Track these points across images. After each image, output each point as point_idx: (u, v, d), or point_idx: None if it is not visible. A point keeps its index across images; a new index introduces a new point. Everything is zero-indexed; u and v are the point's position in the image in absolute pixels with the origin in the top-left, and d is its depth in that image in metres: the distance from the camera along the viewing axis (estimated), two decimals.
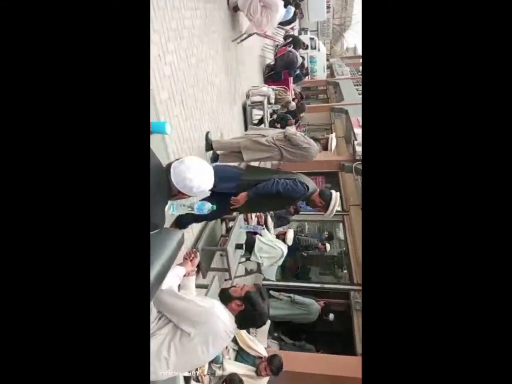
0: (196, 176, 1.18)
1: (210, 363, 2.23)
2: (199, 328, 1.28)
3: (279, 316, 3.86)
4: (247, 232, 3.43)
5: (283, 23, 6.45)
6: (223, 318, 1.32)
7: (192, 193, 1.23)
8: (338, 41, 27.05)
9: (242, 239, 3.31)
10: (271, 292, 4.57)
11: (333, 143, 3.01)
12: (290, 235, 3.68)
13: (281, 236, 3.70)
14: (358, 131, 7.40)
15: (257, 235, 3.59)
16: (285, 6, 4.52)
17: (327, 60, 17.33)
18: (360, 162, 6.54)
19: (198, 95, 3.13)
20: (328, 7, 16.73)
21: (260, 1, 4.09)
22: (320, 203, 2.32)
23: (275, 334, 4.14)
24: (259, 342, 2.69)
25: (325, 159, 7.30)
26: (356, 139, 7.19)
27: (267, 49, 6.87)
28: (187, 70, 2.89)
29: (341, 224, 7.34)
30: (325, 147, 3.04)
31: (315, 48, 14.57)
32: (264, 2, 4.10)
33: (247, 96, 5.01)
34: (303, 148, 2.90)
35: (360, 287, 5.17)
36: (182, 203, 1.68)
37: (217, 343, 1.33)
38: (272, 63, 6.88)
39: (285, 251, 3.55)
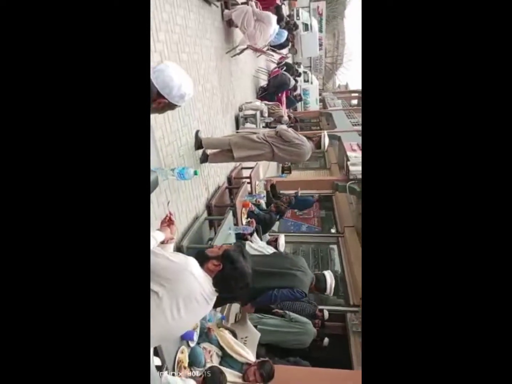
0: (177, 76, 1.14)
1: (190, 366, 1.97)
2: (168, 286, 1.09)
3: (272, 340, 3.54)
4: (237, 237, 3.24)
5: (276, 47, 6.69)
6: (198, 276, 1.13)
7: (172, 97, 1.16)
8: (330, 78, 28.31)
9: (231, 242, 3.12)
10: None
11: (325, 141, 2.94)
12: (282, 241, 3.49)
13: (273, 243, 3.51)
14: (351, 154, 7.49)
15: (247, 241, 3.40)
16: (278, 22, 4.67)
17: (320, 94, 17.98)
18: (354, 181, 6.53)
19: None
20: (320, 44, 17.67)
21: (254, 15, 4.22)
22: (317, 290, 2.52)
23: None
24: (248, 349, 2.42)
25: (319, 179, 7.30)
26: (349, 160, 7.24)
27: (261, 71, 7.05)
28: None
29: (335, 246, 7.15)
30: (317, 145, 2.96)
31: (308, 81, 15.13)
32: (257, 15, 4.23)
33: (240, 109, 5.02)
34: (295, 144, 2.82)
35: (357, 309, 4.90)
36: (167, 169, 1.56)
37: (191, 307, 1.12)
38: (265, 85, 7.04)
39: None
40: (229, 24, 4.44)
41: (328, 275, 2.48)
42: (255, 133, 2.95)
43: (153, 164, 1.61)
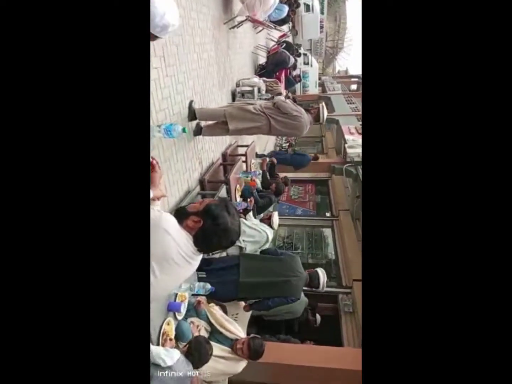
0: (160, 2, 1.05)
1: (176, 340, 1.90)
2: None
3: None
4: None
5: (276, 22, 6.45)
6: (174, 234, 1.02)
7: (153, 26, 1.08)
8: (330, 63, 27.83)
9: None
10: None
11: (324, 112, 2.82)
12: (275, 219, 3.41)
13: (266, 221, 3.42)
14: (348, 137, 7.38)
15: (241, 218, 3.31)
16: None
17: (319, 78, 17.66)
18: (351, 164, 6.44)
19: (182, 58, 2.92)
20: (321, 27, 17.22)
21: None
22: (310, 287, 2.62)
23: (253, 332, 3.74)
24: (238, 326, 2.36)
25: (316, 161, 7.18)
26: (346, 143, 7.14)
27: (260, 47, 6.82)
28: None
29: (330, 230, 7.13)
30: (316, 118, 2.84)
31: (307, 64, 14.80)
32: None
33: (237, 85, 4.85)
34: (293, 116, 2.70)
35: (349, 290, 4.89)
36: (153, 125, 1.45)
37: (168, 268, 1.02)
38: (264, 62, 6.82)
39: (270, 235, 3.26)
40: None
41: (321, 273, 2.63)
42: (251, 104, 2.82)
43: None
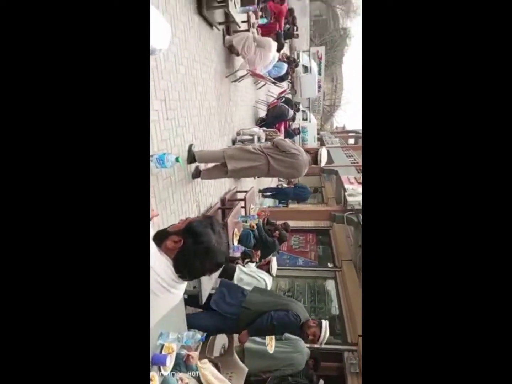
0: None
1: None
2: None
3: (261, 366, 3.12)
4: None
5: (276, 79, 6.85)
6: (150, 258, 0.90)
7: None
8: (328, 120, 29.21)
9: None
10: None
11: (323, 155, 2.82)
12: (274, 264, 3.24)
13: (264, 267, 3.26)
14: (348, 186, 7.44)
15: (238, 265, 3.16)
16: (279, 50, 4.78)
17: (318, 133, 18.39)
18: (351, 212, 6.37)
19: (184, 103, 3.02)
20: (319, 87, 18.38)
21: (254, 41, 4.31)
22: (312, 335, 2.46)
23: None
24: None
25: (316, 209, 7.13)
26: (346, 191, 7.16)
27: (260, 102, 7.16)
28: (174, 75, 2.82)
29: (333, 281, 6.82)
30: (314, 160, 2.84)
31: (306, 120, 15.50)
32: (258, 42, 4.32)
33: (238, 134, 4.99)
34: (291, 154, 2.70)
35: (355, 347, 4.51)
36: None
37: None
38: (264, 115, 7.12)
39: (269, 282, 3.08)
40: (230, 50, 4.52)
41: (324, 325, 2.51)
42: (251, 145, 2.85)
43: None
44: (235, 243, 3.13)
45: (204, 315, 2.52)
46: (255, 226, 3.83)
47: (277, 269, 3.58)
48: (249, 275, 3.08)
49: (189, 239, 0.94)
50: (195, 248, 0.93)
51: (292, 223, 6.96)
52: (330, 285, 6.95)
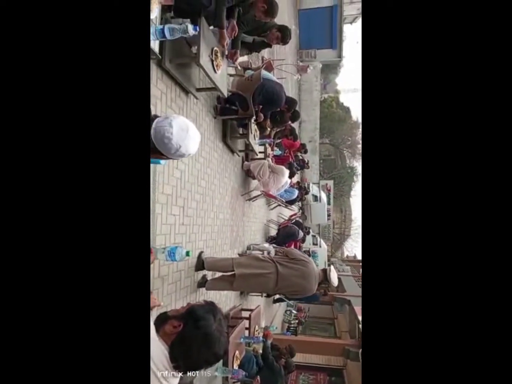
0: (177, 137, 1.07)
1: None
2: None
3: None
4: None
5: (288, 202, 7.29)
6: None
7: (171, 155, 1.10)
8: (338, 248, 29.27)
9: None
10: None
11: (332, 273, 2.74)
12: None
13: None
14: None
15: None
16: (290, 176, 5.26)
17: (328, 260, 18.24)
18: None
19: (200, 212, 3.20)
20: (329, 215, 19.18)
21: (269, 167, 4.81)
22: None
23: None
24: None
25: (328, 341, 6.44)
26: (360, 323, 6.61)
27: (272, 221, 7.44)
28: (195, 187, 3.09)
29: None
30: (324, 276, 2.75)
31: (316, 244, 15.63)
32: (272, 168, 4.83)
33: (248, 248, 5.04)
34: (300, 261, 2.66)
35: None
36: (159, 247, 1.45)
37: None
38: (275, 234, 7.28)
39: None
40: (247, 173, 5.02)
41: None
42: (260, 254, 2.86)
43: None
44: (235, 366, 2.77)
45: None
46: (259, 352, 3.45)
47: None
48: None
49: (189, 323, 0.90)
50: (194, 333, 0.89)
51: (300, 357, 6.22)
52: None
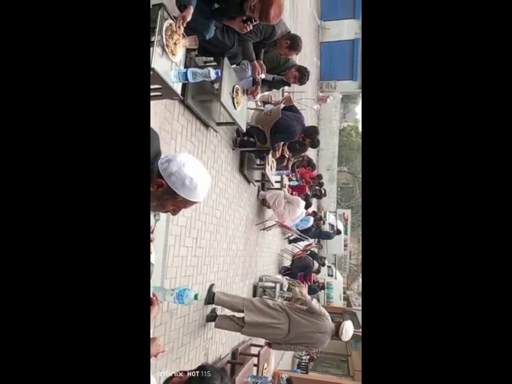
0: (196, 173, 0.93)
1: None
2: None
3: None
4: None
5: (302, 231, 7.18)
6: None
7: (192, 197, 0.95)
8: (355, 280, 28.29)
9: None
10: None
11: (346, 329, 2.61)
12: None
13: None
14: None
15: None
16: (306, 207, 5.20)
17: (344, 292, 17.62)
18: None
19: (213, 243, 3.18)
20: (345, 245, 18.72)
21: (285, 198, 4.79)
22: None
23: None
24: None
25: (340, 382, 6.06)
26: None
27: (286, 251, 7.32)
28: (209, 217, 3.09)
29: None
30: (336, 330, 2.62)
31: (332, 276, 15.19)
32: (288, 198, 4.80)
33: (260, 280, 4.94)
34: (315, 313, 2.55)
35: None
36: (168, 289, 1.43)
37: None
38: (289, 265, 7.14)
39: None
40: (263, 203, 5.01)
41: None
42: (272, 300, 2.79)
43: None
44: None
45: None
46: None
47: None
48: None
49: (192, 382, 0.87)
50: None
51: None
52: None
